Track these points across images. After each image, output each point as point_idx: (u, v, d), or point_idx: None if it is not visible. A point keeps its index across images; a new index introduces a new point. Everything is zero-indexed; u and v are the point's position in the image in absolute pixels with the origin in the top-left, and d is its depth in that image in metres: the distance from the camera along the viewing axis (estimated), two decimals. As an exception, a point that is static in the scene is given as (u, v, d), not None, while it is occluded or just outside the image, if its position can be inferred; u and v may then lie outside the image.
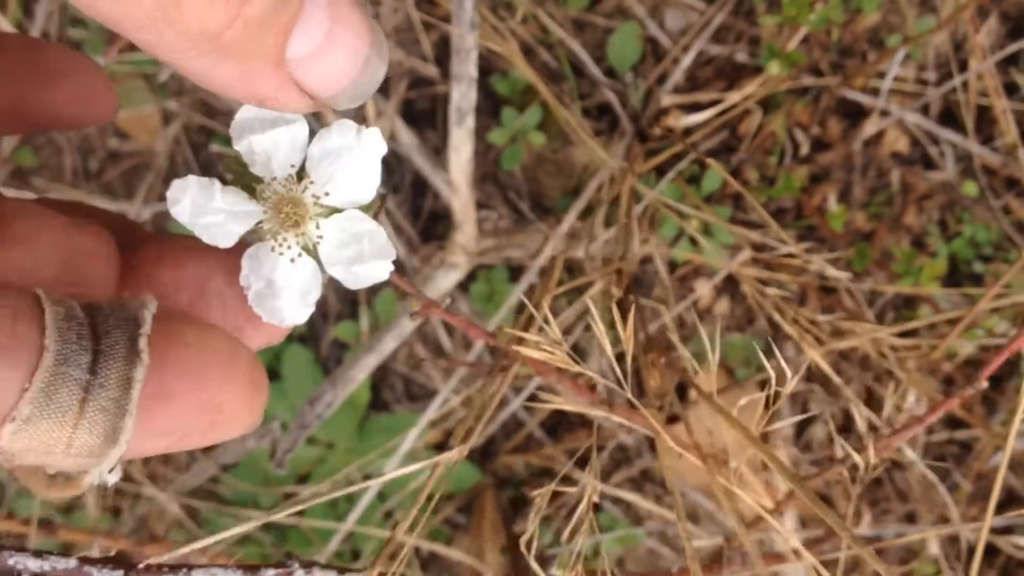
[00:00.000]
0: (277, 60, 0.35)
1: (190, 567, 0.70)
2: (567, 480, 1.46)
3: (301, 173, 0.41)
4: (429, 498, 0.79)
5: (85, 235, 0.40)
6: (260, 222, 0.41)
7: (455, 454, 0.72)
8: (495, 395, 0.77)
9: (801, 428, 1.48)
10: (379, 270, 0.42)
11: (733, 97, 1.34)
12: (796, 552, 1.13)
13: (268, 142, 0.41)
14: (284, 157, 0.41)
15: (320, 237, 0.42)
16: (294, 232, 0.41)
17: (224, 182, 0.42)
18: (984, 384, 0.81)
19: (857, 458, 0.81)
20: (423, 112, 1.45)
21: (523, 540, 0.74)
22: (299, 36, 0.35)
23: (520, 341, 0.83)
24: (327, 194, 0.41)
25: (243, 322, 0.41)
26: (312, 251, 0.42)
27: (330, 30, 0.36)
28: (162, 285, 0.41)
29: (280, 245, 0.41)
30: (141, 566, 0.68)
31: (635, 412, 0.89)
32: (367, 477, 1.48)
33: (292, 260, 0.42)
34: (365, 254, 0.42)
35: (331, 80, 0.37)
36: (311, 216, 0.42)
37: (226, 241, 0.41)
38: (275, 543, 1.48)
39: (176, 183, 0.42)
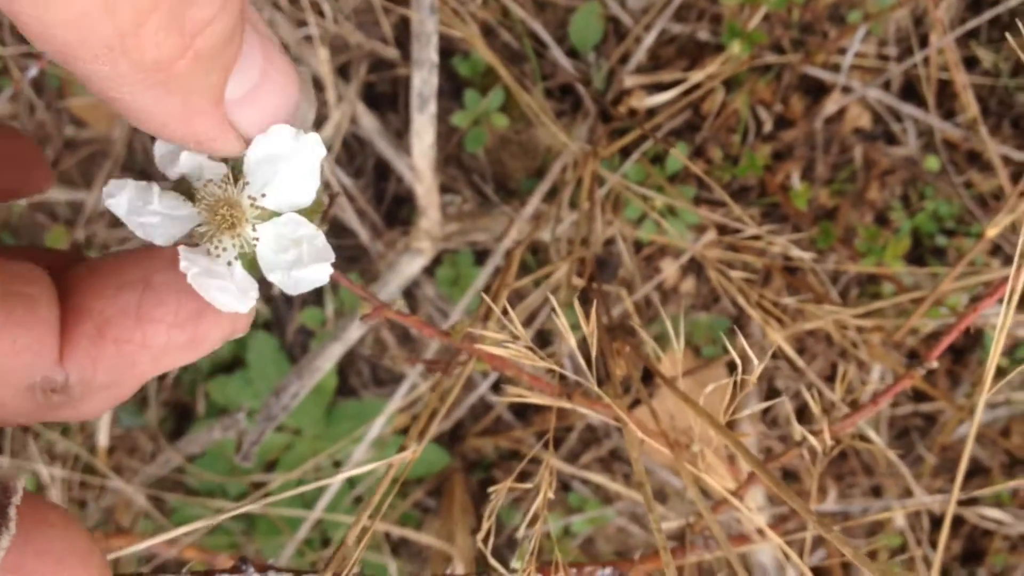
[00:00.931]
0: (218, 98, 0.35)
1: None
2: (536, 462, 1.46)
3: (238, 175, 0.40)
4: (394, 485, 0.79)
5: (15, 263, 0.39)
6: (198, 225, 0.41)
7: (409, 454, 0.71)
8: (451, 391, 0.76)
9: (767, 406, 1.49)
10: (318, 273, 0.41)
11: (696, 76, 1.33)
12: (762, 532, 1.14)
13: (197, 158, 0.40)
14: (216, 165, 0.40)
15: (256, 239, 0.41)
16: (230, 234, 0.40)
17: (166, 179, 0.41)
18: (934, 364, 0.81)
19: (814, 441, 0.81)
20: (385, 95, 1.43)
21: (479, 537, 0.74)
22: (236, 77, 0.36)
23: (487, 315, 0.82)
24: (264, 196, 0.41)
25: (203, 307, 0.40)
26: (250, 255, 0.41)
27: (264, 72, 0.36)
28: (103, 290, 0.40)
29: (216, 248, 0.41)
30: None
31: (599, 400, 0.89)
32: (336, 464, 1.47)
33: (228, 263, 0.41)
34: (304, 258, 0.41)
35: (264, 122, 0.37)
36: (248, 219, 0.41)
37: (162, 240, 0.40)
38: (244, 531, 1.48)
39: (113, 182, 0.40)
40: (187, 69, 0.33)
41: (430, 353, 1.41)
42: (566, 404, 0.89)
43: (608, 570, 0.93)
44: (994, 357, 0.78)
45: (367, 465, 0.73)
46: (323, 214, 0.58)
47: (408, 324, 0.74)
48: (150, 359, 0.39)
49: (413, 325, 0.76)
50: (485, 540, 0.77)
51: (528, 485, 0.88)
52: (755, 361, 0.82)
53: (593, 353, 0.79)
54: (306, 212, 0.42)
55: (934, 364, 0.85)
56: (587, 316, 0.78)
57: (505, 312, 0.75)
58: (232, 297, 0.39)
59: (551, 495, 0.79)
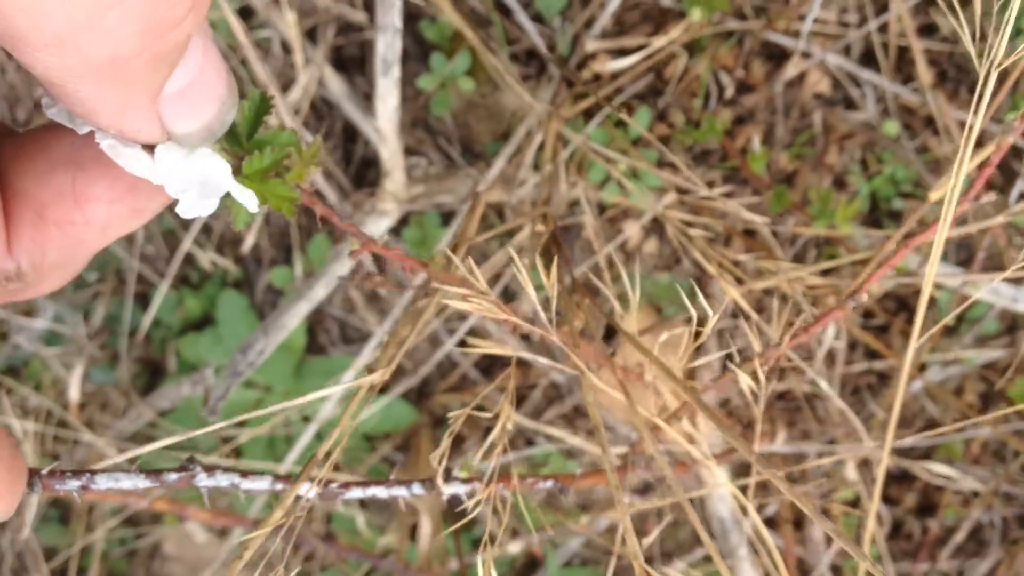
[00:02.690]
0: (156, 94, 0.36)
1: (93, 472, 0.72)
2: (499, 417, 1.49)
3: None
4: (361, 408, 0.82)
5: None
6: None
7: (377, 376, 0.74)
8: (419, 318, 0.79)
9: (727, 365, 1.53)
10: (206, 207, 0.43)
11: (659, 42, 1.36)
12: (708, 463, 1.18)
13: None
14: None
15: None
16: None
17: None
18: (864, 298, 0.85)
19: (743, 376, 0.85)
20: (352, 59, 1.45)
21: (433, 456, 0.77)
22: (176, 73, 0.36)
23: (450, 264, 0.85)
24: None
25: (136, 180, 0.41)
26: None
27: (201, 69, 0.36)
28: (36, 173, 0.40)
29: None
30: (44, 472, 0.70)
31: (566, 352, 0.92)
32: (305, 419, 1.51)
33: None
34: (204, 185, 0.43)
35: (190, 117, 0.37)
36: None
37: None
38: (216, 485, 1.51)
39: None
40: (140, 68, 0.33)
41: (398, 312, 1.44)
42: (526, 355, 0.92)
43: (550, 483, 0.97)
44: (923, 301, 0.81)
45: (340, 386, 0.76)
46: (316, 159, 0.60)
47: (391, 258, 0.77)
48: (96, 234, 0.40)
49: (395, 259, 0.79)
50: (440, 460, 0.81)
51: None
52: (713, 317, 0.85)
53: (554, 304, 0.82)
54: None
55: (864, 297, 0.88)
56: (548, 272, 0.81)
57: (468, 266, 0.78)
58: (146, 165, 0.39)
59: (509, 427, 0.83)
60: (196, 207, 0.42)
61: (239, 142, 0.56)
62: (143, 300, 1.55)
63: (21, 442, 1.42)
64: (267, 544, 0.81)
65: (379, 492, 0.84)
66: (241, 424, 1.50)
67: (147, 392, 1.57)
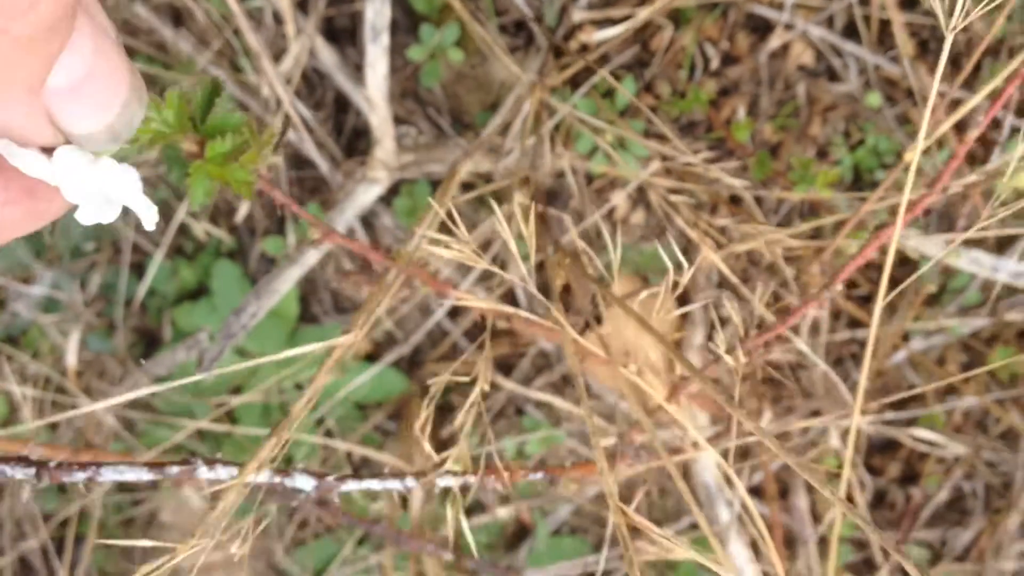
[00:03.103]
0: (34, 86, 0.34)
1: (99, 464, 0.75)
2: (494, 387, 1.52)
3: None
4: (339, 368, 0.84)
5: None
6: None
7: (351, 338, 0.77)
8: (391, 287, 0.82)
9: (712, 335, 1.55)
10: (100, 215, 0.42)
11: (644, 12, 1.38)
12: (696, 445, 1.20)
13: None
14: None
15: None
16: None
17: None
18: (839, 288, 0.87)
19: (728, 358, 0.87)
20: (343, 29, 1.48)
21: (417, 425, 0.80)
22: (61, 66, 0.34)
23: (435, 243, 0.88)
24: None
25: (33, 183, 0.39)
26: None
27: (93, 65, 0.34)
28: None
29: None
30: (52, 464, 0.73)
31: (546, 318, 0.94)
32: (297, 386, 1.53)
33: None
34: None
35: (87, 117, 0.36)
36: None
37: None
38: (210, 452, 1.54)
39: None
40: (5, 55, 0.31)
41: (389, 277, 1.47)
42: (510, 310, 0.94)
43: (540, 474, 0.99)
44: (887, 267, 0.84)
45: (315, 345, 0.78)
46: (275, 143, 0.64)
47: (355, 249, 0.80)
48: None
49: (359, 250, 0.82)
50: (423, 428, 0.83)
51: (487, 405, 0.93)
52: (699, 284, 0.87)
53: (532, 261, 0.84)
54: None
55: (838, 288, 0.91)
56: (535, 238, 0.83)
57: (451, 217, 0.81)
58: (42, 167, 0.38)
59: (486, 388, 0.85)
60: (97, 214, 0.42)
61: (194, 126, 0.59)
62: (139, 270, 1.58)
63: (20, 407, 1.45)
64: (262, 512, 0.84)
65: (374, 485, 0.86)
66: (235, 391, 1.53)
67: (143, 360, 1.60)
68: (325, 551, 1.61)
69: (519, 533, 1.65)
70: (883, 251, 0.90)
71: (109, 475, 0.72)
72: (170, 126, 0.58)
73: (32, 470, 0.70)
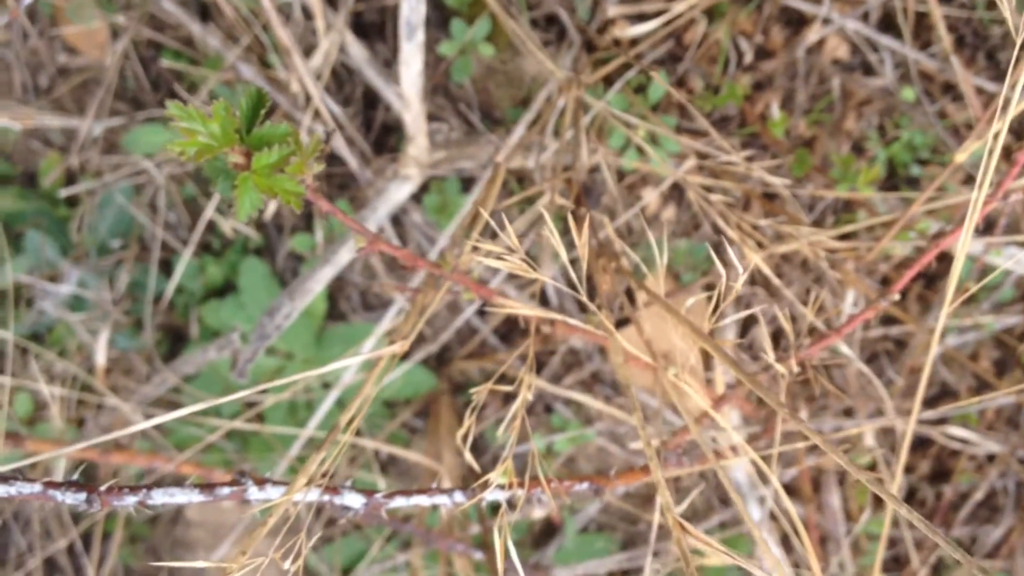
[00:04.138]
0: None
1: (149, 487, 0.74)
2: (515, 382, 1.51)
3: None
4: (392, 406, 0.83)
5: None
6: None
7: (397, 347, 0.75)
8: (438, 294, 0.80)
9: (744, 331, 1.54)
10: None
11: (678, 7, 1.36)
12: (735, 449, 1.19)
13: None
14: None
15: None
16: None
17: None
18: (896, 297, 0.86)
19: (780, 368, 0.86)
20: (373, 24, 1.46)
21: (459, 434, 0.79)
22: None
23: (475, 250, 0.86)
24: None
25: None
26: None
27: None
28: None
29: None
30: (103, 489, 0.72)
31: (586, 317, 0.93)
32: (326, 385, 1.52)
33: None
34: None
35: None
36: None
37: None
38: (237, 450, 1.53)
39: None
40: None
41: (418, 279, 1.45)
42: (555, 316, 0.93)
43: (586, 484, 0.98)
44: (953, 279, 0.82)
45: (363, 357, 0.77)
46: (320, 151, 0.62)
47: (399, 256, 0.78)
48: None
49: (403, 257, 0.80)
50: (465, 438, 0.82)
51: (514, 405, 0.92)
52: (733, 283, 0.86)
53: (584, 267, 0.82)
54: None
55: (896, 296, 0.90)
56: (580, 232, 0.82)
57: (500, 225, 0.79)
58: None
59: (529, 397, 0.84)
60: None
61: (240, 138, 0.57)
62: (166, 267, 1.56)
63: (48, 405, 1.44)
64: (290, 510, 0.82)
65: (423, 501, 0.85)
66: (263, 391, 1.52)
67: (170, 359, 1.58)
68: (353, 549, 1.60)
69: (547, 530, 1.64)
70: (940, 259, 0.89)
71: (160, 498, 0.71)
72: (217, 139, 0.56)
73: (83, 495, 0.69)
